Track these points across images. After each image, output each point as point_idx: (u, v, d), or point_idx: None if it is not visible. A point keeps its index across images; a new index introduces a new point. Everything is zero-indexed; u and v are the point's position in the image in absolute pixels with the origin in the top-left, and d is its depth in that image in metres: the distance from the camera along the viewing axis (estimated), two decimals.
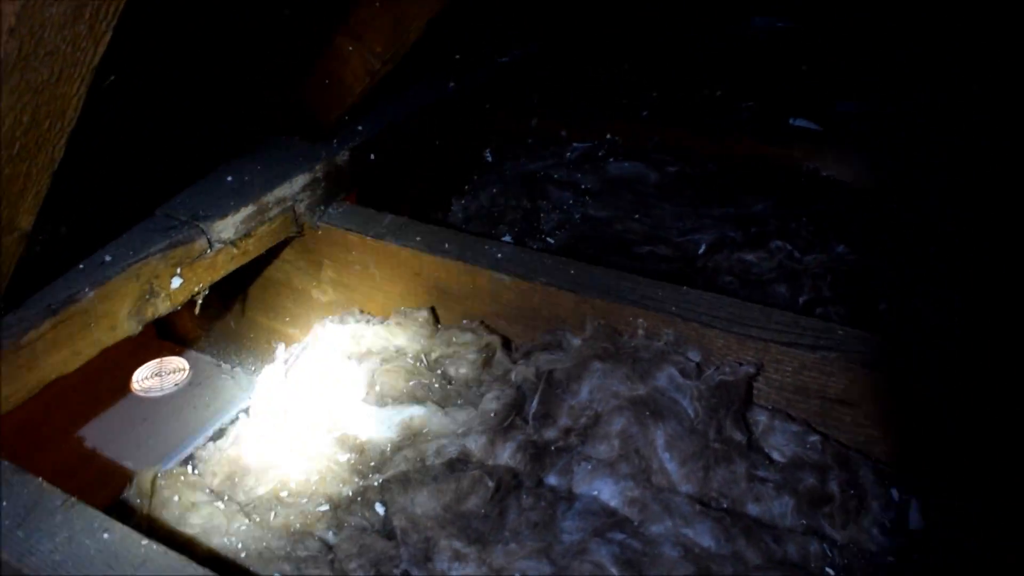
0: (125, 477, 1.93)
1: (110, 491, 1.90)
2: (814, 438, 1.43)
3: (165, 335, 2.34)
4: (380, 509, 1.35)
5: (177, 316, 2.30)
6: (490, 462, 1.43)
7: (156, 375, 2.24)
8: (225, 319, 2.21)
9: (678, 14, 3.39)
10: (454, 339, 1.71)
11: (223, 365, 2.26)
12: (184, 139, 1.83)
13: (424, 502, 1.34)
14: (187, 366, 2.26)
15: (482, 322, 1.72)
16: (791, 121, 2.44)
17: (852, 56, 2.87)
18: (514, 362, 1.63)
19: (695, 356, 1.52)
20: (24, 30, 0.76)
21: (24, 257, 1.27)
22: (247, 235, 1.69)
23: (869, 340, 1.46)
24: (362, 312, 1.85)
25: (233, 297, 2.11)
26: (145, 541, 1.12)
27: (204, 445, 1.60)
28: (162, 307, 1.56)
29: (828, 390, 1.45)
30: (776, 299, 1.75)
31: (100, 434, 2.05)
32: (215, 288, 1.67)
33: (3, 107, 0.84)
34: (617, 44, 3.15)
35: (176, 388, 2.20)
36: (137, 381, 2.22)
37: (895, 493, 1.36)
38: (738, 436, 1.41)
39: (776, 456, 1.43)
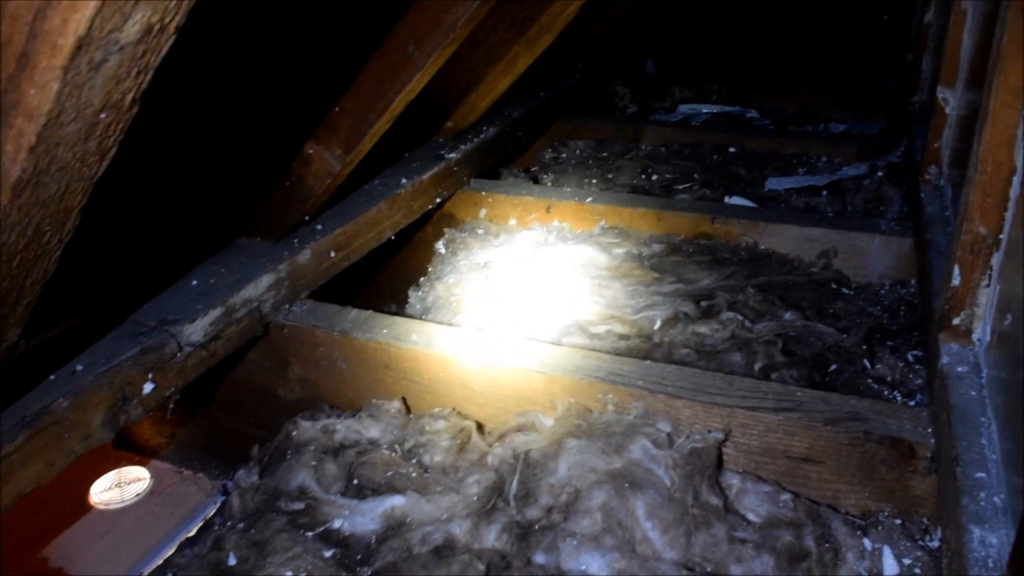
0: None
1: None
2: (785, 496, 1.49)
3: (122, 445, 2.30)
4: None
5: (135, 424, 2.26)
6: (476, 545, 1.45)
7: (115, 486, 2.19)
8: (186, 424, 2.19)
9: (608, 104, 3.58)
10: (427, 427, 1.73)
11: (185, 472, 2.23)
12: (148, 244, 1.85)
13: None
14: (147, 475, 2.22)
15: (454, 409, 1.75)
16: (727, 199, 2.59)
17: (778, 135, 3.06)
18: (489, 446, 1.66)
19: (665, 427, 1.57)
20: (42, 148, 0.80)
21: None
22: (216, 337, 1.70)
23: (828, 399, 1.54)
24: (331, 407, 1.86)
25: (194, 401, 2.10)
26: None
27: (181, 552, 1.58)
28: (135, 413, 1.56)
29: (793, 450, 1.52)
30: (732, 368, 1.82)
31: (60, 552, 1.98)
32: None
33: (11, 222, 0.87)
34: (556, 133, 3.30)
35: (137, 498, 2.15)
36: (96, 494, 2.16)
37: (867, 543, 1.42)
38: (715, 500, 1.47)
39: (751, 517, 1.48)
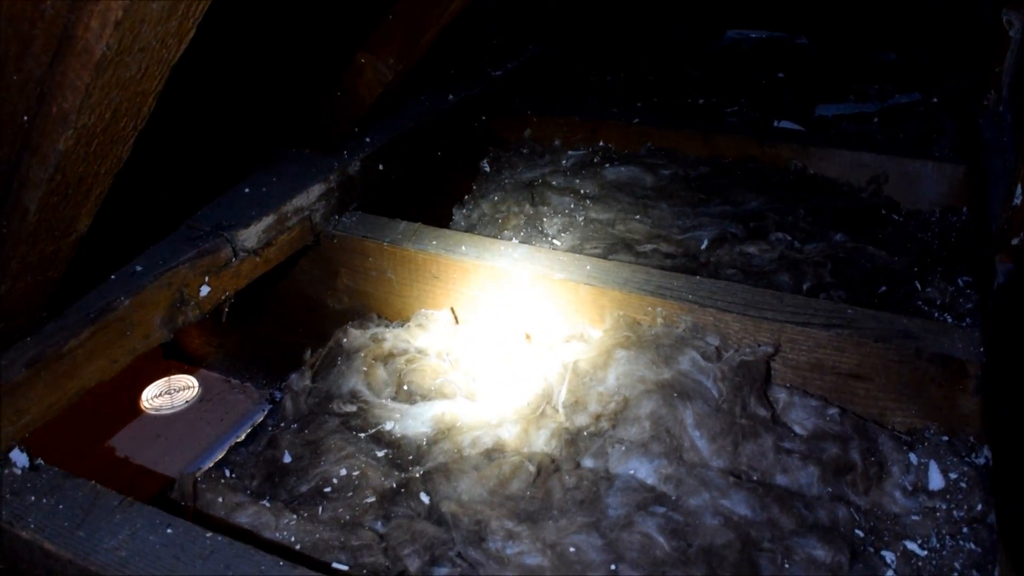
0: (145, 492, 1.94)
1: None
2: (833, 411, 1.50)
3: (171, 354, 2.35)
4: (425, 498, 1.39)
5: (183, 334, 2.31)
6: (526, 449, 1.48)
7: (165, 393, 2.25)
8: (233, 334, 2.23)
9: (656, 30, 3.52)
10: (475, 337, 1.75)
11: (233, 381, 2.28)
12: (200, 152, 1.86)
13: (469, 488, 1.38)
14: (196, 383, 2.27)
15: (502, 319, 1.77)
16: (775, 123, 2.55)
17: (827, 62, 3.00)
18: (538, 355, 1.68)
19: (714, 340, 1.58)
20: (127, 24, 0.80)
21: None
22: (268, 244, 1.72)
23: (879, 317, 1.54)
24: (379, 317, 1.89)
25: (241, 311, 2.13)
26: (210, 534, 1.15)
27: (236, 450, 1.63)
28: (191, 315, 1.59)
29: (842, 366, 1.53)
30: (780, 287, 1.82)
31: (115, 452, 2.05)
32: None
33: (92, 102, 0.88)
34: (602, 57, 3.24)
35: (186, 405, 2.21)
36: (147, 400, 2.22)
37: (913, 457, 1.43)
38: (762, 412, 1.48)
39: (798, 429, 1.50)
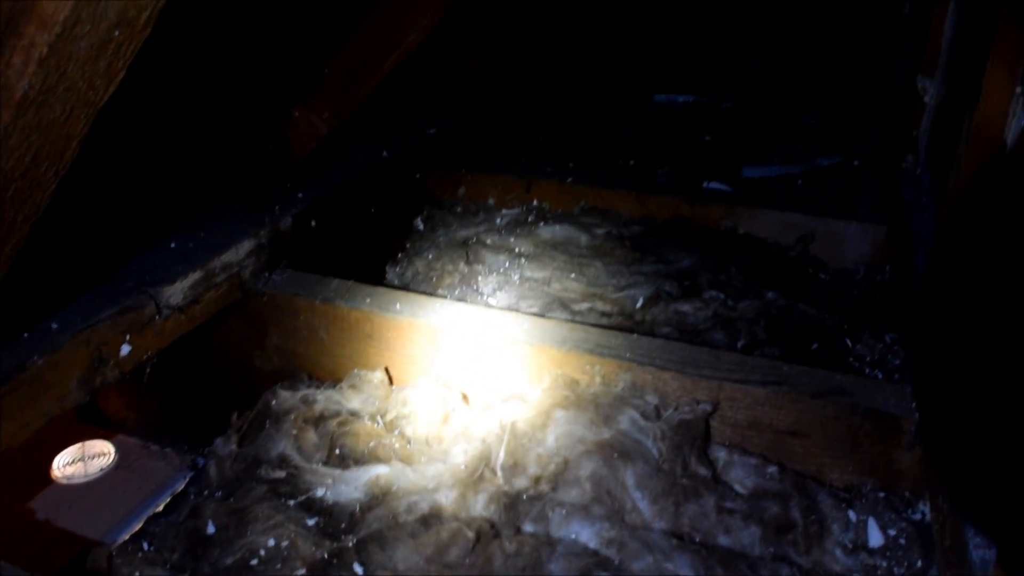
0: (56, 564, 1.81)
1: None
2: (772, 468, 1.50)
3: (87, 418, 2.23)
4: (359, 569, 1.32)
5: (101, 396, 2.20)
6: (464, 514, 1.43)
7: (78, 460, 2.12)
8: (155, 396, 2.13)
9: (587, 93, 3.59)
10: (410, 398, 1.71)
11: (152, 446, 2.16)
12: (125, 203, 1.79)
13: (406, 557, 1.32)
14: (112, 449, 2.15)
15: (438, 379, 1.73)
16: (704, 184, 2.60)
17: (752, 125, 3.09)
18: (476, 416, 1.64)
19: (653, 399, 1.57)
20: (52, 62, 0.76)
21: None
22: (195, 301, 1.66)
23: (813, 373, 1.55)
24: (311, 378, 1.83)
25: (164, 372, 2.04)
26: None
27: (155, 521, 1.53)
28: (110, 375, 1.51)
29: (779, 423, 1.53)
30: (715, 345, 1.83)
31: (24, 523, 1.92)
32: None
33: (11, 145, 0.83)
34: (535, 118, 3.28)
35: (101, 473, 2.08)
36: (58, 467, 2.09)
37: (852, 514, 1.43)
38: (703, 471, 1.47)
39: (739, 488, 1.49)
